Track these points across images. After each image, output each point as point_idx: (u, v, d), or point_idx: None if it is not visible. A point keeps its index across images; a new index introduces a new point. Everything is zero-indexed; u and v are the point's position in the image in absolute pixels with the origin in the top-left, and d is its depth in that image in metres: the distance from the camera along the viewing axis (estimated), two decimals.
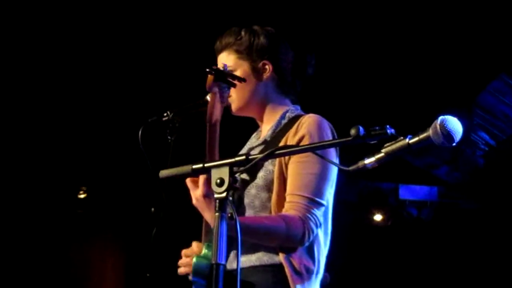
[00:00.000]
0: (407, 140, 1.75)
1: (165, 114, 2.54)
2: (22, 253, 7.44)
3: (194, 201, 2.33)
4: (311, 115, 2.56)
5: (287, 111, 2.64)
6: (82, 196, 7.80)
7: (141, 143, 2.54)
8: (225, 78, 2.52)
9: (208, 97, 2.54)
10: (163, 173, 2.04)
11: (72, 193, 7.78)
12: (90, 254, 7.98)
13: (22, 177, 7.17)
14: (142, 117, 2.57)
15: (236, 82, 2.56)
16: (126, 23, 5.43)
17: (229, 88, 2.55)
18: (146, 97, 5.94)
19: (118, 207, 7.73)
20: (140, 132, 2.54)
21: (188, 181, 2.33)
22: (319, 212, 2.41)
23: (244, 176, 2.50)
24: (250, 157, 1.90)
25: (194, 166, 1.97)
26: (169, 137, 2.53)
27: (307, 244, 2.40)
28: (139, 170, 4.56)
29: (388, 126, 1.77)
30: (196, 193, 2.31)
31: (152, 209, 2.82)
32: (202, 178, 2.29)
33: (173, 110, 2.54)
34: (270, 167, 2.49)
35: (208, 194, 2.29)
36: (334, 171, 2.49)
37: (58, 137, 6.71)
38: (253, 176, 2.50)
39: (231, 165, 1.90)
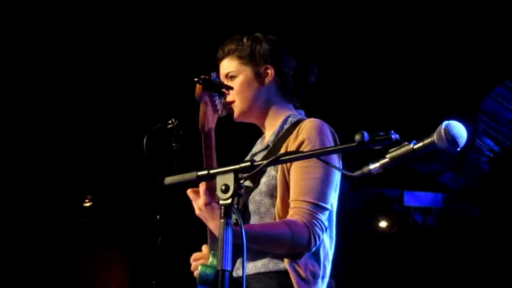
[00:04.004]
0: (411, 145, 1.75)
1: (169, 122, 2.54)
2: (27, 262, 7.44)
3: (197, 211, 2.31)
4: (311, 119, 2.54)
5: (289, 116, 2.63)
6: (87, 204, 7.81)
7: (146, 150, 2.54)
8: (214, 87, 2.50)
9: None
10: (168, 180, 2.03)
11: (78, 202, 7.79)
12: (95, 262, 7.98)
13: (28, 186, 7.18)
14: (146, 125, 2.58)
15: (226, 90, 2.56)
16: (132, 34, 5.46)
17: (220, 97, 2.53)
18: (150, 105, 5.95)
19: (123, 215, 7.73)
20: (145, 139, 2.54)
21: (189, 192, 2.32)
22: (323, 217, 2.40)
23: (248, 182, 2.48)
24: (255, 163, 1.90)
25: (199, 173, 1.96)
26: (174, 144, 2.52)
27: (314, 249, 2.39)
28: (144, 177, 4.57)
29: (392, 131, 1.77)
30: (198, 203, 2.29)
31: (158, 216, 2.82)
32: (202, 187, 2.28)
33: (178, 118, 2.54)
34: (273, 173, 2.48)
35: (210, 202, 2.27)
36: (337, 175, 2.48)
37: (64, 146, 6.72)
38: (256, 183, 2.49)
39: (236, 172, 1.89)
